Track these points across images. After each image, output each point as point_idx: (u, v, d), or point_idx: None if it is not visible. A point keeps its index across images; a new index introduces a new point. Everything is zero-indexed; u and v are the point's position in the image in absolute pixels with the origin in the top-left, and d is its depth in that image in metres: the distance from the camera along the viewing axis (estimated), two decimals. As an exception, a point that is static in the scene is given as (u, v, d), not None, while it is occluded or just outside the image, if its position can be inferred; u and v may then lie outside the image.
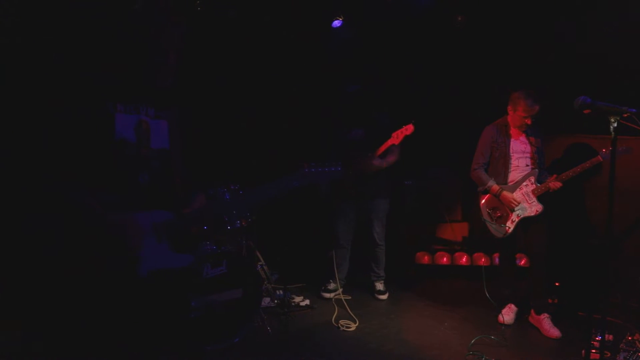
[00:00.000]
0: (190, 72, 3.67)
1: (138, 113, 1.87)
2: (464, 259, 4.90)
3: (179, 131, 2.00)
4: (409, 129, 3.84)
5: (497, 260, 4.40)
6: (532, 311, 3.82)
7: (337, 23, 5.02)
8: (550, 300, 4.13)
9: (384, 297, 4.40)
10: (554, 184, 3.64)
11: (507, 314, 3.86)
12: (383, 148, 4.08)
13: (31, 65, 3.37)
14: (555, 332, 3.63)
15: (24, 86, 3.28)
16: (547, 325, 3.68)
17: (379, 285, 4.47)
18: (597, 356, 2.98)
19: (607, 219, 2.14)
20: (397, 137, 3.92)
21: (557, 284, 4.35)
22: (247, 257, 3.74)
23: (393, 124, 4.15)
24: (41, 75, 3.27)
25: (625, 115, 2.10)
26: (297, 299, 4.19)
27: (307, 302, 4.17)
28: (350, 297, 4.31)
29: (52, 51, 3.41)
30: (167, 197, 1.91)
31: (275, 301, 4.03)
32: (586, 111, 2.52)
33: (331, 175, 2.04)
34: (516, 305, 3.91)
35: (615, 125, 2.09)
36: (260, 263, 4.20)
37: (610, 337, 3.14)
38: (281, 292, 4.09)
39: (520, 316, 3.90)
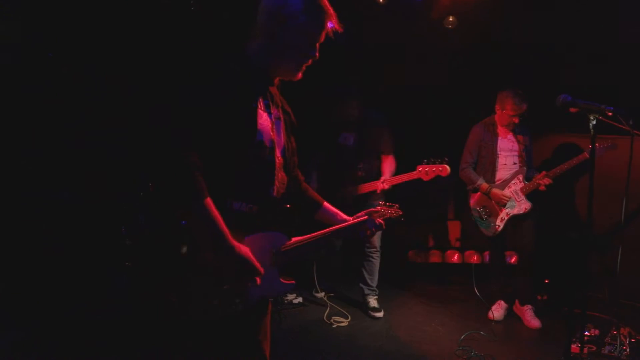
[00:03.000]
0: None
1: (270, 112, 1.66)
2: (455, 257, 4.96)
3: (286, 133, 1.77)
4: (444, 170, 3.39)
5: (487, 258, 4.46)
6: (517, 301, 3.92)
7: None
8: (539, 297, 4.21)
9: (380, 314, 3.95)
10: (544, 180, 3.70)
11: (497, 310, 3.91)
12: (405, 179, 3.63)
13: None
14: (535, 323, 3.74)
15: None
16: (528, 316, 3.79)
17: (373, 302, 4.04)
18: (585, 350, 3.04)
19: (588, 213, 2.19)
20: (426, 175, 3.45)
21: (546, 280, 4.41)
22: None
23: (387, 123, 3.92)
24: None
25: (610, 114, 2.16)
26: (290, 297, 4.23)
27: (299, 299, 4.21)
28: (343, 294, 4.35)
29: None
30: (286, 214, 1.73)
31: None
32: (573, 110, 2.58)
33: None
34: (506, 302, 3.97)
35: (594, 122, 2.14)
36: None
37: (597, 331, 3.20)
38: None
39: (510, 312, 3.96)
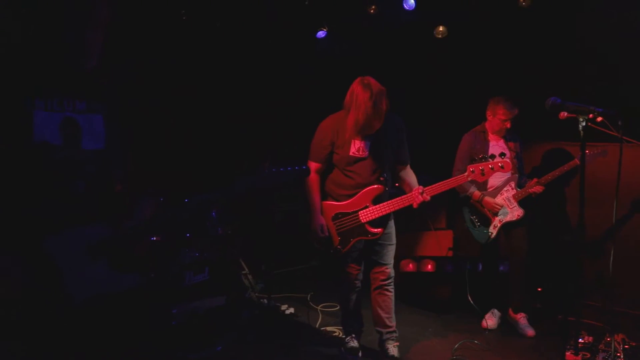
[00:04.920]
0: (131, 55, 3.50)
1: (63, 110, 1.60)
2: (448, 266, 4.91)
3: (118, 127, 1.72)
4: (506, 166, 2.92)
5: (480, 266, 4.43)
6: (510, 310, 3.88)
7: (321, 34, 5.08)
8: (533, 305, 4.18)
9: None
10: (536, 188, 3.71)
11: (491, 319, 3.88)
12: (452, 185, 3.01)
13: None
14: (529, 331, 3.72)
15: None
16: (522, 325, 3.77)
17: (393, 349, 3.21)
18: (578, 358, 3.01)
19: (579, 218, 2.18)
20: (482, 175, 2.90)
21: (539, 289, 4.38)
22: (231, 265, 3.73)
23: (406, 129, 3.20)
24: None
25: (599, 118, 2.17)
26: (282, 307, 4.17)
27: (291, 310, 4.15)
28: (336, 306, 4.29)
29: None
30: (106, 207, 1.67)
31: (260, 310, 4.01)
32: (562, 116, 2.58)
33: (296, 176, 1.83)
34: (499, 310, 3.93)
35: (584, 124, 2.14)
36: (244, 272, 4.19)
37: (590, 338, 3.17)
38: (266, 300, 4.08)
39: (504, 321, 3.92)
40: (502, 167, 2.92)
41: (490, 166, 2.90)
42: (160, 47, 4.21)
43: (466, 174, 2.97)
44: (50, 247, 1.54)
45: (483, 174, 2.91)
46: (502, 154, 2.96)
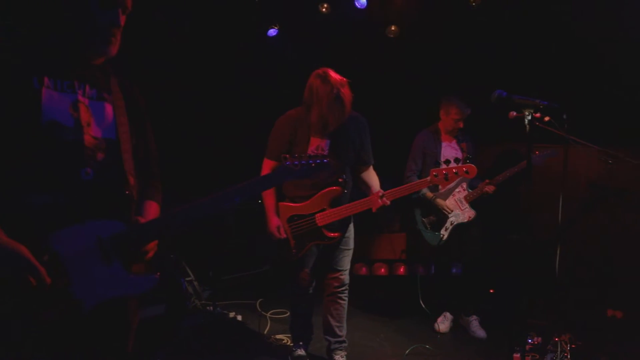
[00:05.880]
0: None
1: (74, 92, 1.50)
2: (401, 269, 4.85)
3: (128, 118, 1.62)
4: (471, 171, 2.76)
5: (433, 269, 4.39)
6: (462, 313, 3.85)
7: (272, 32, 4.95)
8: (485, 307, 4.16)
9: None
10: (488, 187, 3.69)
11: (443, 322, 3.83)
12: (414, 189, 2.92)
13: None
14: (481, 334, 3.71)
15: None
16: (474, 327, 3.75)
17: (341, 359, 3.10)
18: (527, 359, 2.99)
19: (527, 217, 2.12)
20: (445, 180, 2.77)
21: (491, 290, 4.38)
22: (172, 271, 3.52)
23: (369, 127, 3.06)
24: None
25: (538, 115, 2.14)
26: (230, 315, 3.98)
27: (239, 317, 3.97)
28: (286, 312, 4.14)
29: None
30: (117, 200, 1.53)
31: (205, 318, 3.81)
32: (511, 115, 2.56)
33: (318, 170, 1.74)
34: (451, 313, 3.89)
35: (530, 118, 2.10)
36: (189, 278, 3.97)
37: (540, 339, 3.16)
38: (211, 308, 3.88)
39: (456, 324, 3.88)
40: (467, 172, 2.77)
41: (454, 171, 2.76)
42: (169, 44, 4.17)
43: (429, 178, 2.82)
44: (57, 244, 1.40)
45: (447, 179, 2.77)
46: (467, 158, 2.86)
